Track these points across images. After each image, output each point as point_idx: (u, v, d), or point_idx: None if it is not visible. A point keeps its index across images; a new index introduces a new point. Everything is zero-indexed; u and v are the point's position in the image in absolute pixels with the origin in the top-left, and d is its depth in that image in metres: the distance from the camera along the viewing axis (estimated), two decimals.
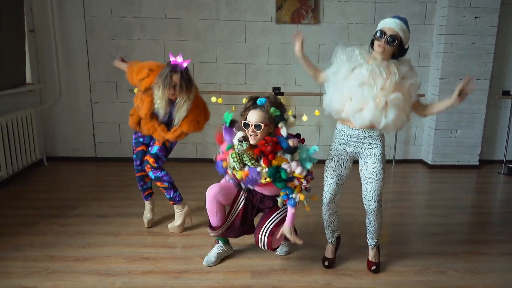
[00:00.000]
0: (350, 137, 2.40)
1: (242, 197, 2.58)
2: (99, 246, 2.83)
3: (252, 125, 2.29)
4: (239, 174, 2.34)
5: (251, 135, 2.31)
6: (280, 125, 2.32)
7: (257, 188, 2.54)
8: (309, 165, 2.30)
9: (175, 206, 3.10)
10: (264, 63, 4.83)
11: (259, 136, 2.30)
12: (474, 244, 3.01)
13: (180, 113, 2.83)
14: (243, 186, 2.46)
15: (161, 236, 3.02)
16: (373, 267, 2.61)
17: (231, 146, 2.38)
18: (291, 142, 2.28)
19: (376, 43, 2.25)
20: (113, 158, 4.95)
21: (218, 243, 2.70)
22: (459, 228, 3.28)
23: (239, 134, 2.35)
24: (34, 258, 2.64)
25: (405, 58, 2.35)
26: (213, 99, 4.70)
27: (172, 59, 2.74)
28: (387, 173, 2.50)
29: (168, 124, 2.92)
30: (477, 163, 5.02)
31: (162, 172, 2.98)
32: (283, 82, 4.87)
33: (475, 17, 4.60)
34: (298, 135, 2.40)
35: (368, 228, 2.60)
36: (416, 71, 2.36)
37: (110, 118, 4.86)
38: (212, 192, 2.53)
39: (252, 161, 2.29)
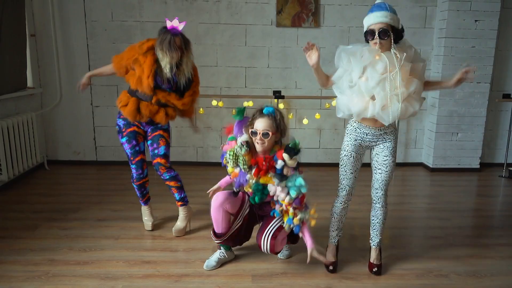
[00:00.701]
0: (366, 135, 2.46)
1: (247, 205, 2.58)
2: (100, 250, 2.83)
3: (260, 133, 2.32)
4: (230, 170, 2.44)
5: (258, 143, 2.33)
6: (284, 155, 2.30)
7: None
8: (293, 194, 2.31)
9: (181, 208, 3.10)
10: (264, 67, 4.84)
11: (266, 144, 2.33)
12: (476, 247, 3.00)
13: (186, 72, 2.84)
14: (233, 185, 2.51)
15: (162, 239, 3.02)
16: (375, 269, 2.60)
17: (234, 138, 2.44)
18: (285, 171, 2.31)
19: (370, 43, 2.27)
20: (114, 161, 4.95)
21: (220, 249, 2.70)
22: (461, 232, 3.27)
23: (244, 137, 2.37)
24: (34, 262, 2.63)
25: (404, 39, 2.35)
26: (214, 102, 4.71)
27: (168, 24, 2.79)
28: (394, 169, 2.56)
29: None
30: (478, 166, 5.02)
31: (175, 171, 3.04)
32: (283, 86, 4.87)
33: (475, 21, 4.61)
34: (297, 167, 2.36)
35: (373, 221, 2.62)
36: (417, 50, 2.38)
37: (111, 121, 4.87)
38: (218, 200, 2.51)
39: (245, 166, 2.36)
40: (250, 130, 2.37)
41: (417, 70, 2.30)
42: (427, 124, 5.07)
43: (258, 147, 2.36)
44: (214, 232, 2.61)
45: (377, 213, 2.59)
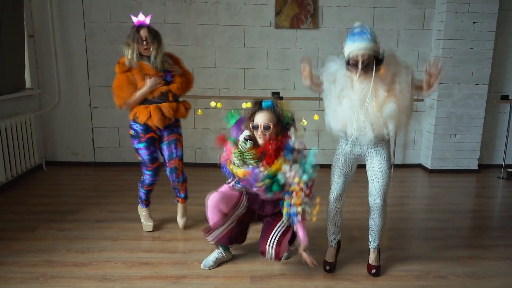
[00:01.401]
0: (357, 139, 2.45)
1: (243, 206, 2.57)
2: (98, 251, 2.82)
3: (261, 125, 2.32)
4: (239, 172, 2.35)
5: (260, 136, 2.34)
6: (290, 124, 2.37)
7: (258, 192, 2.53)
8: (310, 170, 2.30)
9: (183, 204, 3.23)
10: (263, 68, 4.84)
11: (267, 136, 2.34)
12: (474, 248, 3.00)
13: (158, 62, 2.87)
14: (240, 186, 2.48)
15: (160, 241, 3.01)
16: (373, 271, 2.61)
17: (235, 141, 2.40)
18: (296, 145, 2.31)
19: (353, 72, 2.25)
20: (113, 163, 4.94)
21: (218, 249, 2.69)
22: (459, 233, 3.28)
23: (245, 133, 2.37)
24: (33, 263, 2.63)
25: (391, 53, 2.34)
26: (213, 103, 4.71)
27: (134, 19, 2.86)
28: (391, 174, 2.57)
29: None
30: (476, 168, 5.02)
31: (185, 173, 3.16)
32: (282, 87, 4.88)
33: (473, 22, 4.62)
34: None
35: (371, 228, 2.61)
36: (401, 62, 2.36)
37: (109, 123, 4.86)
38: (213, 200, 2.52)
39: (254, 160, 2.32)
40: (251, 124, 2.37)
41: (395, 88, 2.28)
42: (426, 125, 5.08)
43: (260, 141, 2.37)
44: (206, 229, 2.58)
45: (375, 221, 2.57)
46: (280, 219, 2.51)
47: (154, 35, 2.85)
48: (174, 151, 3.04)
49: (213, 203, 2.52)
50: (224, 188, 2.66)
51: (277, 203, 2.52)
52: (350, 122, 2.33)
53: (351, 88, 2.30)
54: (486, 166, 5.17)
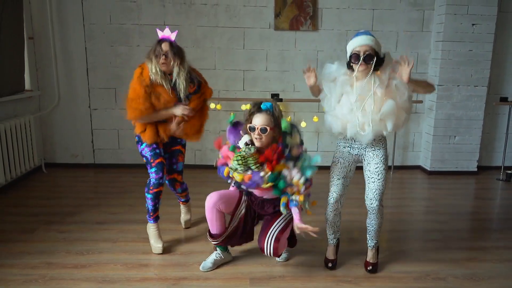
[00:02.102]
0: (354, 141, 2.50)
1: (243, 205, 2.58)
2: (98, 253, 2.82)
3: (258, 128, 2.32)
4: (239, 177, 2.35)
5: (256, 138, 2.34)
6: (288, 139, 2.38)
7: (256, 192, 2.54)
8: (309, 173, 2.33)
9: (187, 204, 3.27)
10: (262, 70, 4.85)
11: (264, 139, 2.33)
12: (473, 250, 3.01)
13: (180, 81, 2.74)
14: (243, 188, 2.48)
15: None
16: (369, 267, 2.65)
17: (235, 147, 2.39)
18: (294, 151, 2.34)
19: (355, 66, 2.32)
20: (112, 164, 4.94)
21: (217, 250, 2.70)
22: (458, 234, 3.28)
23: (246, 138, 2.37)
24: (32, 265, 2.63)
25: (386, 52, 2.40)
26: (212, 105, 4.71)
27: (160, 34, 2.78)
28: (388, 176, 2.55)
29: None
30: (476, 169, 5.03)
31: (185, 183, 3.15)
32: (281, 89, 4.88)
33: (472, 24, 4.63)
34: (301, 143, 2.43)
35: (369, 228, 2.64)
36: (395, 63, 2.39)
37: (109, 124, 4.86)
38: (211, 201, 2.52)
39: (257, 165, 2.31)
40: (248, 126, 2.36)
41: (391, 87, 2.32)
42: (425, 127, 5.09)
43: (257, 143, 2.36)
44: (209, 233, 2.61)
45: (372, 222, 2.61)
46: (278, 217, 2.52)
47: (176, 51, 2.73)
48: (174, 165, 3.00)
49: (211, 204, 2.52)
50: (229, 190, 2.67)
51: (276, 203, 2.52)
52: (350, 122, 2.36)
53: (350, 88, 2.36)
54: (485, 168, 5.17)
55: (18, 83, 4.28)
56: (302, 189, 2.33)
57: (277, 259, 2.76)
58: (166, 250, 2.89)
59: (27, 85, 4.55)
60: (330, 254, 2.72)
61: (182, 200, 3.24)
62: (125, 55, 4.66)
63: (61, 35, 4.65)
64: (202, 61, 4.75)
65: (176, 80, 2.75)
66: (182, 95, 2.77)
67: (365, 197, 2.55)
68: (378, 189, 2.48)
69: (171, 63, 2.71)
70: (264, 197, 2.54)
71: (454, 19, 4.62)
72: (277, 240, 2.44)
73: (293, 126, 2.48)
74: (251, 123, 2.36)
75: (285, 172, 2.32)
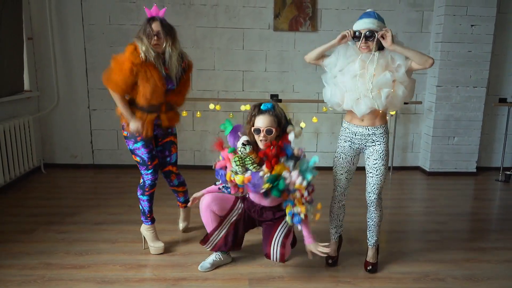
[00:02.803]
0: (355, 135, 2.50)
1: (236, 212, 2.58)
2: (97, 254, 2.82)
3: (263, 130, 2.31)
4: (240, 179, 2.33)
5: (261, 141, 2.33)
6: (289, 128, 2.36)
7: (255, 199, 2.54)
8: (309, 176, 2.31)
9: (184, 209, 3.18)
10: (262, 70, 4.85)
11: (269, 141, 2.34)
12: (472, 251, 3.01)
13: (173, 62, 2.67)
14: (246, 190, 2.47)
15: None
16: (369, 267, 2.65)
17: (234, 150, 2.39)
18: (295, 150, 2.33)
19: (358, 45, 2.37)
20: (111, 165, 4.94)
21: (216, 251, 2.69)
22: (457, 235, 3.28)
23: (243, 138, 2.36)
24: (31, 266, 2.62)
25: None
26: (211, 106, 4.71)
27: (148, 12, 2.67)
28: (387, 175, 2.56)
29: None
30: (475, 170, 5.03)
31: (182, 176, 3.06)
32: (281, 89, 4.88)
33: (471, 25, 4.64)
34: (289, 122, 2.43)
35: (369, 223, 2.66)
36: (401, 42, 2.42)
37: (108, 125, 4.86)
38: (205, 202, 2.54)
39: (254, 165, 2.31)
40: (252, 128, 2.35)
41: (394, 62, 2.35)
42: (424, 128, 5.09)
43: (261, 145, 2.35)
44: (203, 238, 2.60)
45: (372, 215, 2.63)
46: (280, 222, 2.51)
47: (168, 30, 2.63)
48: (168, 158, 2.94)
49: (205, 206, 2.53)
50: (212, 188, 2.66)
51: (276, 210, 2.53)
52: (349, 91, 2.37)
53: (356, 56, 2.38)
54: (484, 169, 5.17)
55: (17, 84, 4.28)
56: (305, 193, 2.31)
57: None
58: (166, 250, 2.89)
59: (26, 86, 4.54)
60: (331, 251, 2.73)
61: (181, 200, 3.15)
62: None
63: (60, 36, 4.65)
64: (201, 62, 4.75)
65: (167, 61, 2.66)
66: (173, 76, 2.71)
67: (366, 190, 2.59)
68: (376, 184, 2.51)
69: (164, 44, 2.62)
70: (263, 204, 2.53)
71: (453, 20, 4.62)
72: (283, 245, 2.44)
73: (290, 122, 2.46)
74: (253, 125, 2.36)
75: (285, 174, 2.30)
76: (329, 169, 2.66)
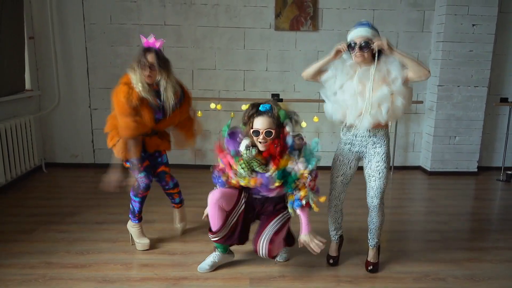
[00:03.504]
0: (355, 137, 2.50)
1: (243, 201, 2.57)
2: (97, 253, 2.82)
3: (262, 132, 2.30)
4: (251, 182, 2.35)
5: (261, 142, 2.33)
6: (285, 121, 2.35)
7: (263, 190, 2.52)
8: (313, 161, 2.33)
9: (180, 209, 3.12)
10: (263, 70, 4.85)
11: (268, 142, 2.33)
12: (473, 251, 3.00)
13: (168, 94, 2.64)
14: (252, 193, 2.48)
15: (159, 242, 3.01)
16: (370, 267, 2.65)
17: (236, 154, 2.38)
18: (297, 140, 2.33)
19: (353, 56, 2.36)
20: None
21: (216, 251, 2.68)
22: (458, 235, 3.28)
23: (245, 141, 2.34)
24: (31, 265, 2.63)
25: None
26: (212, 105, 4.71)
27: (143, 40, 2.64)
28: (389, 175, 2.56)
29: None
30: (476, 170, 5.02)
31: (175, 178, 3.05)
32: (282, 89, 4.88)
33: (473, 25, 4.63)
34: (299, 135, 2.41)
35: (370, 226, 2.65)
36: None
37: None
38: (214, 197, 2.50)
39: (262, 166, 2.31)
40: (251, 130, 2.34)
41: (390, 74, 2.34)
42: (425, 127, 5.09)
43: (261, 147, 2.34)
44: (210, 229, 2.58)
45: (373, 220, 2.61)
46: (276, 216, 2.51)
47: (163, 63, 2.59)
48: (159, 158, 2.92)
49: (213, 200, 2.50)
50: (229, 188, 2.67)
51: (278, 201, 2.52)
52: (350, 109, 2.38)
53: (353, 73, 2.39)
54: (485, 169, 5.17)
55: (18, 83, 4.29)
56: (308, 179, 2.31)
57: (277, 259, 2.76)
58: (166, 250, 2.89)
59: (27, 85, 4.55)
60: (332, 251, 2.75)
61: (176, 201, 3.09)
62: (126, 55, 4.66)
63: (61, 35, 4.65)
64: (202, 61, 4.75)
65: (163, 94, 2.64)
66: (169, 110, 2.68)
67: (367, 195, 2.56)
68: (379, 187, 2.49)
69: (157, 76, 2.59)
70: (270, 195, 2.51)
71: (455, 20, 4.61)
72: (271, 241, 2.41)
73: (291, 115, 2.42)
74: (252, 127, 2.35)
75: (291, 166, 2.31)
76: (330, 169, 2.65)
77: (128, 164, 2.79)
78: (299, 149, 2.34)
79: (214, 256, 2.66)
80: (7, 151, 3.94)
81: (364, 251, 2.78)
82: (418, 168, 5.22)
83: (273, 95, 4.82)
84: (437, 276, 2.63)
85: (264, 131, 2.31)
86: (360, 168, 2.60)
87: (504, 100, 4.99)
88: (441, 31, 4.67)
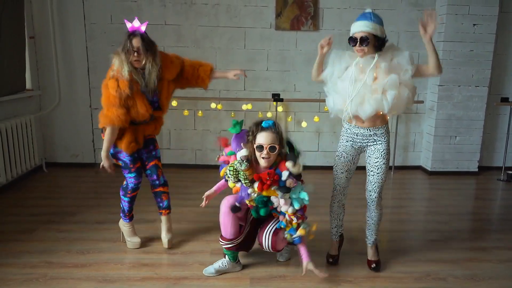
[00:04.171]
0: (356, 135, 2.51)
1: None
2: (98, 252, 2.82)
3: (266, 147, 2.30)
4: (231, 185, 2.45)
5: (264, 158, 2.31)
6: (287, 164, 2.31)
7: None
8: (297, 205, 2.35)
9: (167, 217, 2.95)
10: (263, 70, 4.85)
11: (272, 158, 2.32)
12: (474, 250, 3.00)
13: (152, 78, 2.61)
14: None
15: (160, 242, 3.00)
16: (373, 265, 2.66)
17: (233, 154, 2.42)
18: (288, 183, 2.30)
19: (353, 48, 2.39)
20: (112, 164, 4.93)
21: (225, 258, 2.63)
22: (459, 235, 3.28)
23: (243, 152, 2.32)
24: (32, 265, 2.63)
25: (391, 44, 2.44)
26: (213, 105, 4.71)
27: (128, 25, 2.59)
28: (388, 175, 2.56)
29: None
30: (476, 170, 5.02)
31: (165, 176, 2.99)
32: (282, 89, 4.88)
33: (473, 25, 4.63)
34: (299, 176, 2.37)
35: (368, 222, 2.67)
36: (400, 48, 2.48)
37: None
38: (229, 205, 2.47)
39: (246, 181, 2.34)
40: (254, 146, 2.33)
41: (395, 66, 2.36)
42: (426, 127, 5.08)
43: (263, 162, 2.33)
44: (222, 236, 2.55)
45: (372, 214, 2.64)
46: (276, 216, 2.53)
47: (149, 46, 2.56)
48: (156, 179, 2.88)
49: (228, 208, 2.46)
50: (221, 183, 2.69)
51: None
52: (351, 96, 2.37)
53: (353, 64, 2.40)
54: (486, 168, 5.16)
55: (18, 83, 4.29)
56: (294, 219, 2.38)
57: (278, 258, 2.76)
58: (166, 250, 2.89)
59: (28, 85, 4.55)
60: (332, 250, 2.76)
61: (165, 203, 2.93)
62: None
63: (62, 35, 4.66)
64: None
65: (146, 77, 2.62)
66: (150, 92, 2.66)
67: (366, 189, 2.60)
68: (377, 182, 2.53)
69: (144, 60, 2.57)
70: None
71: (455, 19, 4.61)
72: (275, 233, 2.45)
73: (293, 149, 2.38)
74: (255, 143, 2.33)
75: (274, 199, 2.36)
76: (330, 168, 2.66)
77: (120, 163, 2.79)
78: (288, 189, 2.32)
79: (223, 262, 2.61)
80: (7, 150, 3.94)
81: (364, 250, 2.78)
82: (419, 168, 5.21)
83: (273, 95, 4.82)
84: (438, 276, 2.63)
85: (268, 146, 2.30)
86: (359, 168, 2.60)
87: (504, 100, 4.99)
88: (442, 31, 4.66)
